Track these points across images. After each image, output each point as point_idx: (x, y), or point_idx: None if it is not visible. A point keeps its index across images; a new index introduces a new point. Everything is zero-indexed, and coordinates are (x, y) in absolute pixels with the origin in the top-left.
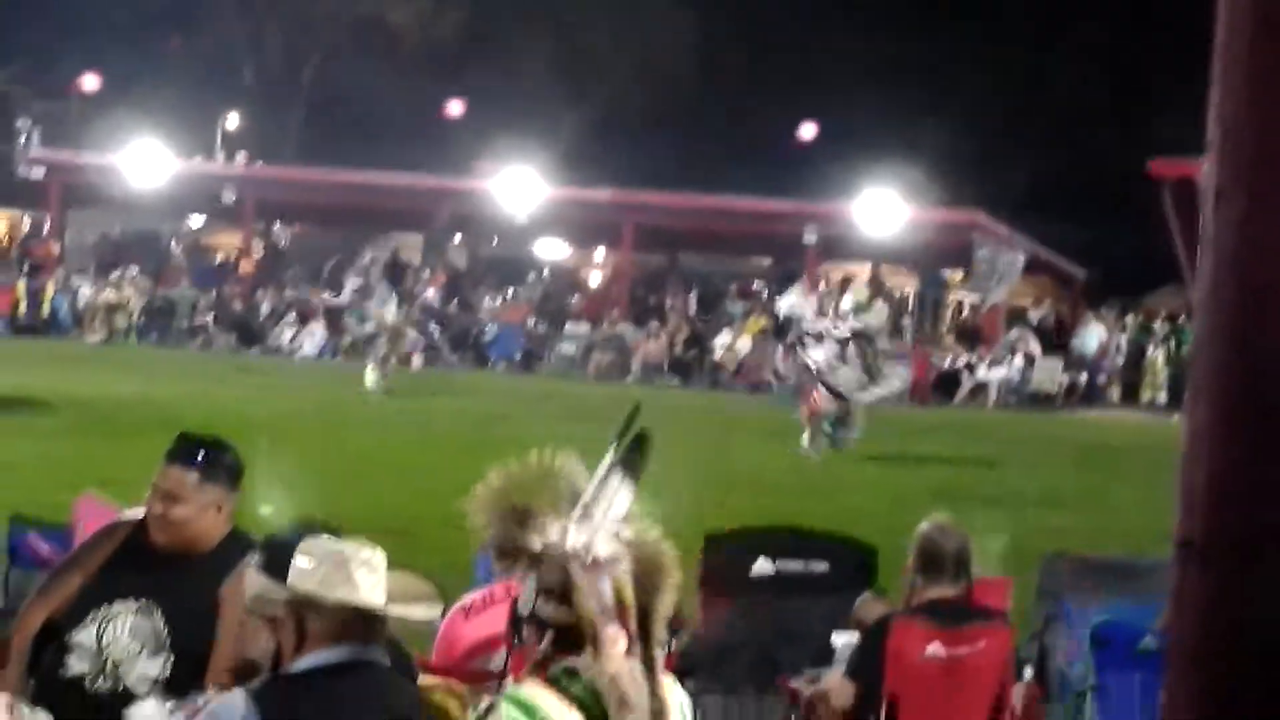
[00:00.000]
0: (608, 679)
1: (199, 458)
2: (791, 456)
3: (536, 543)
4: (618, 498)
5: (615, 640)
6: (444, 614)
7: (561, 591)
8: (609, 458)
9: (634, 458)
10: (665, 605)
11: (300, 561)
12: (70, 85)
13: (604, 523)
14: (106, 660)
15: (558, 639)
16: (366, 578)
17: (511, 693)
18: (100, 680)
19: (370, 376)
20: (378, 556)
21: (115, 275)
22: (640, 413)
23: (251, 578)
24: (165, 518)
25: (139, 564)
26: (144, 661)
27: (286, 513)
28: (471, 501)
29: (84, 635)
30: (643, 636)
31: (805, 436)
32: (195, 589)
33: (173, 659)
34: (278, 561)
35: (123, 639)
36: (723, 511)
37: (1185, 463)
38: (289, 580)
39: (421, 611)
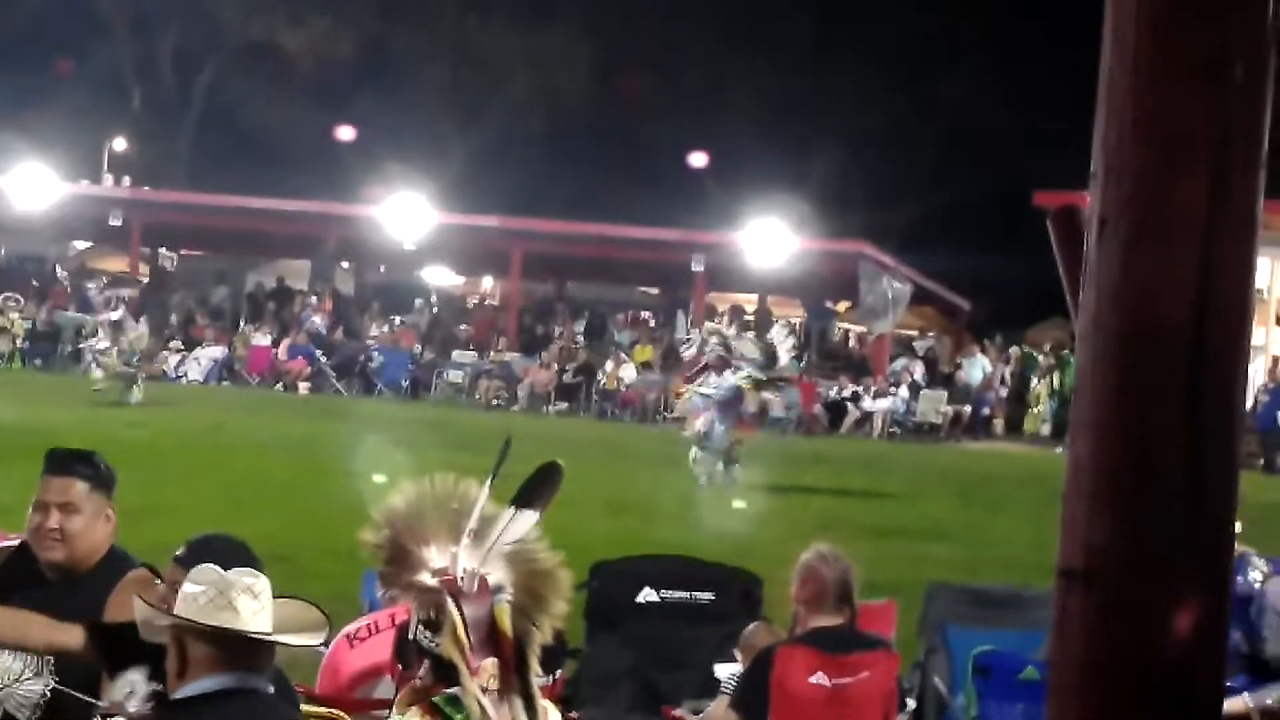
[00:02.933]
0: (474, 711)
1: (84, 467)
2: (678, 485)
3: (418, 572)
4: (513, 525)
5: (480, 673)
6: (328, 642)
7: (438, 622)
8: (489, 485)
9: (539, 489)
10: (544, 635)
11: (186, 588)
12: None
13: (493, 549)
14: None
15: (436, 668)
16: (249, 604)
17: None
18: None
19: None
20: (261, 583)
21: None
22: (510, 445)
23: (137, 604)
24: (63, 530)
25: (20, 587)
26: (26, 685)
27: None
28: (362, 529)
29: None
30: (520, 666)
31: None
32: (81, 607)
33: (56, 680)
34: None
35: (4, 662)
36: (609, 540)
37: (1068, 493)
38: (181, 604)
39: (305, 639)
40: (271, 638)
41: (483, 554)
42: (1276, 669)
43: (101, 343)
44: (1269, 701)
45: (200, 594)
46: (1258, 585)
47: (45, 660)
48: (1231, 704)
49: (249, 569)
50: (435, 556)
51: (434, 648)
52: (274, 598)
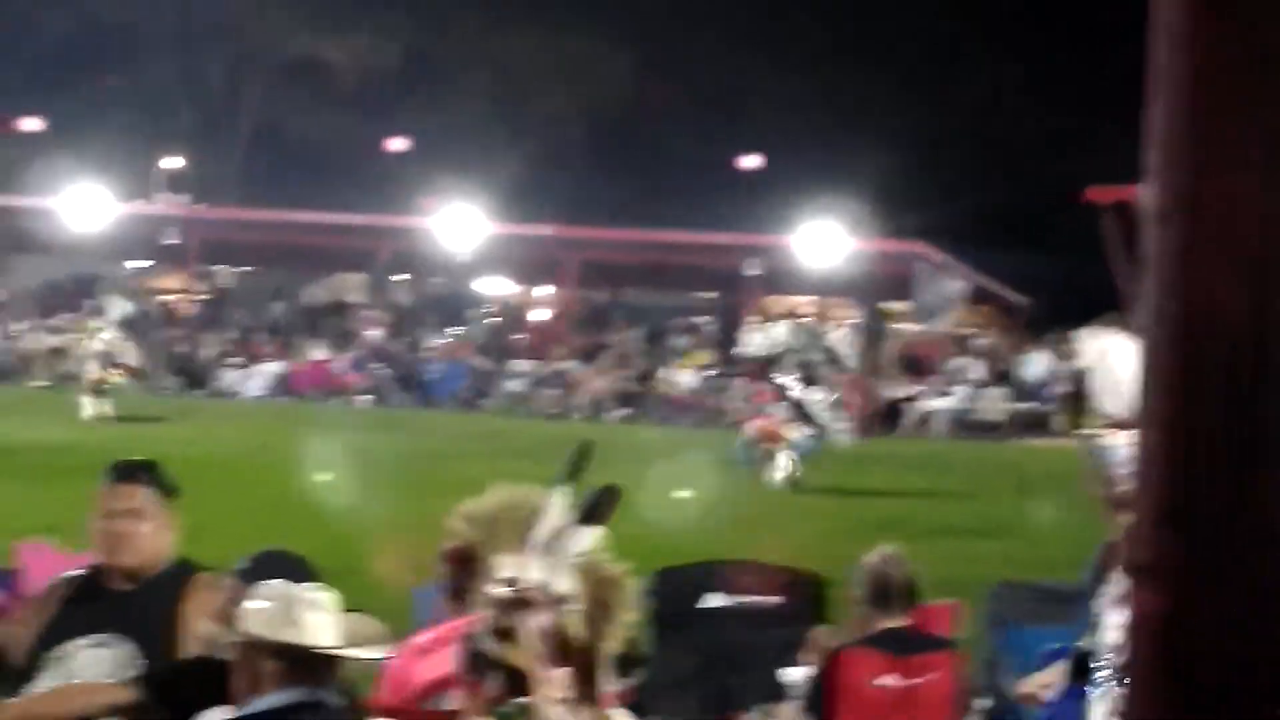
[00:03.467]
0: None
1: (148, 475)
2: (740, 489)
3: (487, 582)
4: (578, 537)
5: (557, 684)
6: (394, 654)
7: (508, 633)
8: (563, 496)
9: (597, 508)
10: (613, 643)
11: (252, 604)
12: (8, 128)
13: (560, 560)
14: None
15: (507, 678)
16: (315, 619)
17: None
18: None
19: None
20: (327, 598)
21: (58, 320)
22: (590, 451)
23: (204, 621)
24: (133, 536)
25: (93, 601)
26: None
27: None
28: (417, 543)
29: (41, 679)
30: (590, 676)
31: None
32: (154, 615)
33: (134, 688)
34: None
35: (84, 673)
36: (673, 546)
37: (1136, 491)
38: (248, 620)
39: (371, 652)
40: (339, 652)
41: (551, 564)
42: None
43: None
44: None
45: (267, 610)
46: None
47: (126, 670)
48: None
49: (312, 583)
50: (504, 566)
51: (505, 658)
52: (337, 612)
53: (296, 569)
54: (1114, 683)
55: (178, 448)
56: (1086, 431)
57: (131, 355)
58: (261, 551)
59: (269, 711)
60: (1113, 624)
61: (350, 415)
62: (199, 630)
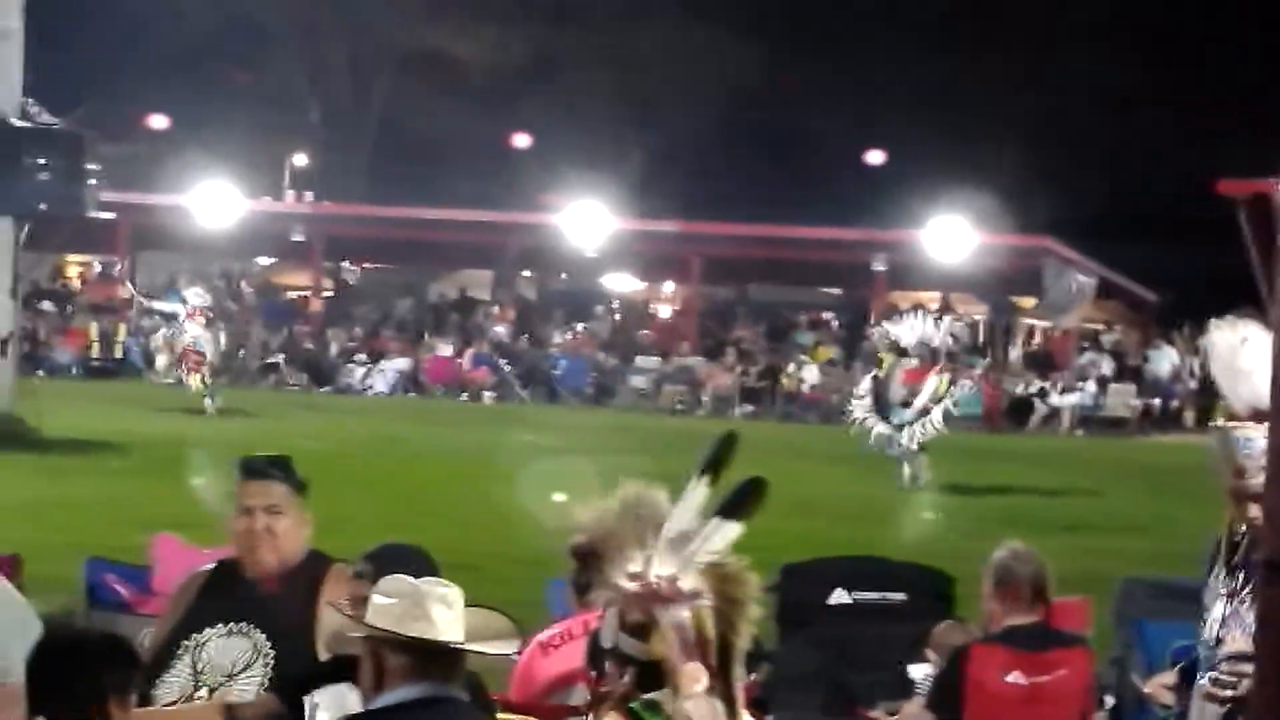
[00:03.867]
0: (685, 717)
1: (281, 470)
2: (865, 485)
3: (619, 578)
4: (715, 535)
5: (695, 677)
6: (521, 649)
7: (643, 628)
8: (698, 490)
9: (743, 502)
10: (744, 638)
11: (378, 599)
12: (138, 126)
13: (691, 556)
14: (201, 686)
15: (640, 674)
16: (443, 614)
17: None
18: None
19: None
20: (454, 592)
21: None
22: (732, 443)
23: (332, 614)
24: (271, 531)
25: (228, 592)
26: (239, 682)
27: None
28: (547, 537)
29: (176, 666)
30: (723, 671)
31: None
32: (289, 605)
33: (271, 675)
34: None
35: (216, 662)
36: (798, 541)
37: (1268, 484)
38: (375, 614)
39: (498, 647)
40: (467, 647)
41: (681, 559)
42: None
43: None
44: None
45: (395, 605)
46: None
47: (261, 655)
48: None
49: (439, 579)
50: (633, 560)
51: (639, 653)
52: (464, 606)
53: (418, 562)
54: (1212, 674)
55: (307, 442)
56: (1221, 422)
57: (209, 346)
58: (383, 545)
59: (396, 706)
60: (1216, 617)
61: (476, 411)
62: (328, 624)
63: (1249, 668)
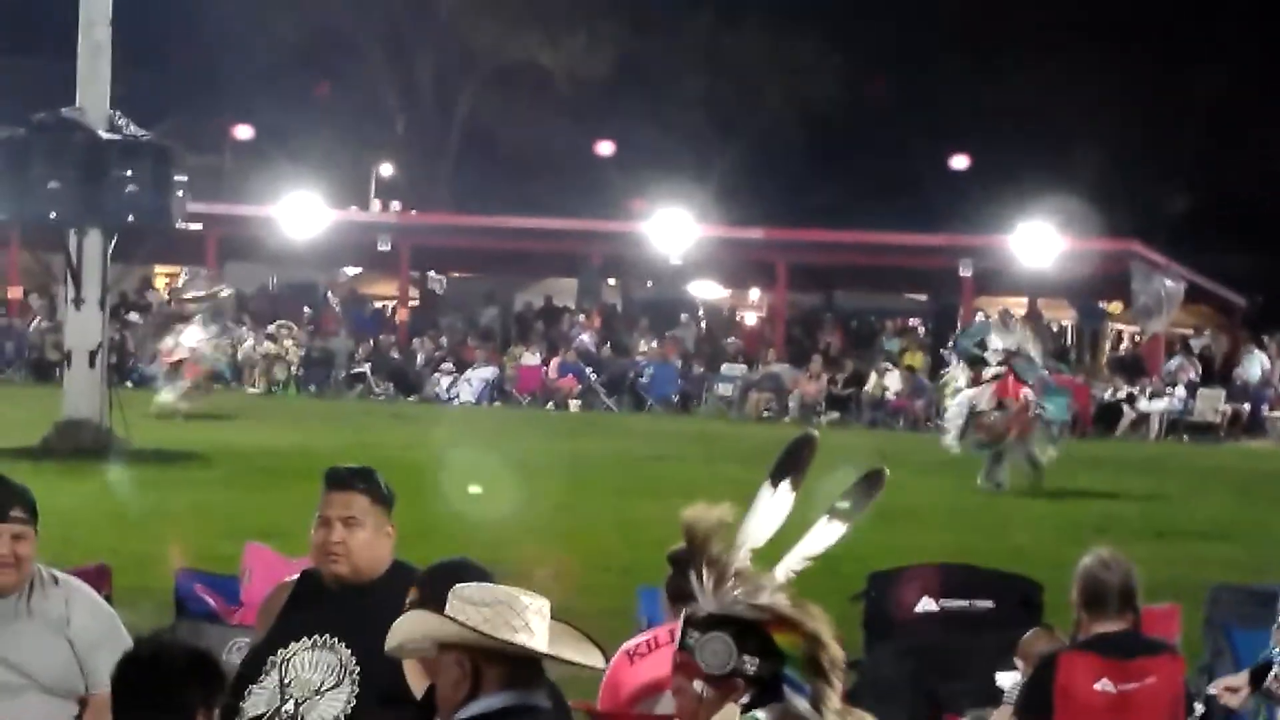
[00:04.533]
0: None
1: (364, 482)
2: (952, 492)
3: (739, 600)
4: (820, 534)
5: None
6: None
7: (764, 648)
8: (777, 496)
9: (861, 497)
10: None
11: (463, 605)
12: (224, 137)
13: (791, 560)
14: (287, 700)
15: (757, 690)
16: (539, 625)
17: None
18: None
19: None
20: (545, 604)
21: (273, 327)
22: (810, 444)
23: (423, 616)
24: (347, 544)
25: (313, 604)
26: (326, 699)
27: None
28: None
29: (264, 681)
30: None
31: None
32: (375, 619)
33: (358, 692)
34: (440, 598)
35: (303, 676)
36: (885, 549)
37: None
38: (467, 621)
39: (589, 659)
40: (565, 656)
41: (784, 567)
42: None
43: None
44: None
45: (487, 611)
46: None
47: (347, 671)
48: None
49: (526, 591)
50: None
51: (760, 671)
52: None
53: (477, 576)
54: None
55: (396, 452)
56: None
57: (207, 359)
58: (441, 563)
59: (487, 714)
60: None
61: (563, 420)
62: (405, 628)
63: None
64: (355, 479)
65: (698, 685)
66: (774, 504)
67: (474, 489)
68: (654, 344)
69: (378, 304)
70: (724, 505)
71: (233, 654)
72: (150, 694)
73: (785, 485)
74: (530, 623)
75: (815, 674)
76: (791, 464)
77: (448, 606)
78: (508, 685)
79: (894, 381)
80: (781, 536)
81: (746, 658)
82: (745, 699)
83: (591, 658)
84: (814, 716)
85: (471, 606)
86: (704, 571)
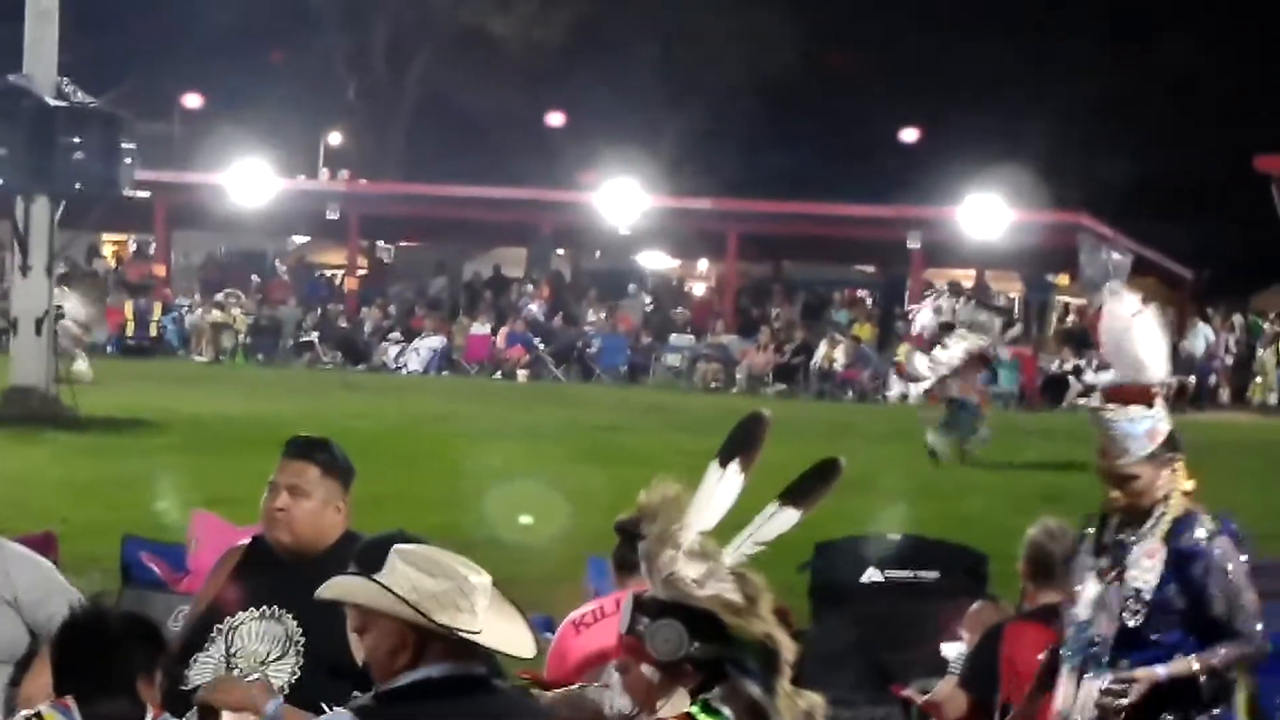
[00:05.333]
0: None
1: (320, 453)
2: (900, 463)
3: (689, 587)
4: (772, 522)
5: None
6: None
7: (715, 634)
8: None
9: (813, 486)
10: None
11: (413, 573)
12: (173, 105)
13: (743, 547)
14: (233, 670)
15: (706, 675)
16: (483, 604)
17: None
18: None
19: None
20: (488, 582)
21: (221, 295)
22: (761, 424)
23: (366, 586)
24: (290, 512)
25: (260, 574)
26: (272, 669)
27: (393, 524)
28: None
29: (209, 649)
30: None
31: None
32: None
33: (303, 663)
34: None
35: (249, 646)
36: (832, 519)
37: None
38: (416, 596)
39: (519, 648)
40: (499, 648)
41: (720, 555)
42: (1223, 629)
43: None
44: (1215, 662)
45: (437, 585)
46: (1203, 544)
47: (293, 642)
48: (1177, 665)
49: (471, 564)
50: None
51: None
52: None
53: None
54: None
55: (345, 421)
56: (1096, 401)
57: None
58: (378, 537)
59: (425, 683)
60: (1088, 596)
61: (512, 390)
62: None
63: (1140, 676)
64: (310, 449)
65: (647, 670)
66: (724, 485)
67: (525, 519)
68: (603, 314)
69: (326, 273)
70: (676, 483)
71: (178, 621)
72: (90, 660)
73: (735, 466)
74: (476, 604)
75: (765, 660)
76: (742, 444)
77: (390, 568)
78: (451, 657)
79: (843, 353)
80: (731, 517)
81: (697, 644)
82: (694, 683)
83: (522, 646)
84: (765, 700)
85: (425, 577)
86: (654, 553)
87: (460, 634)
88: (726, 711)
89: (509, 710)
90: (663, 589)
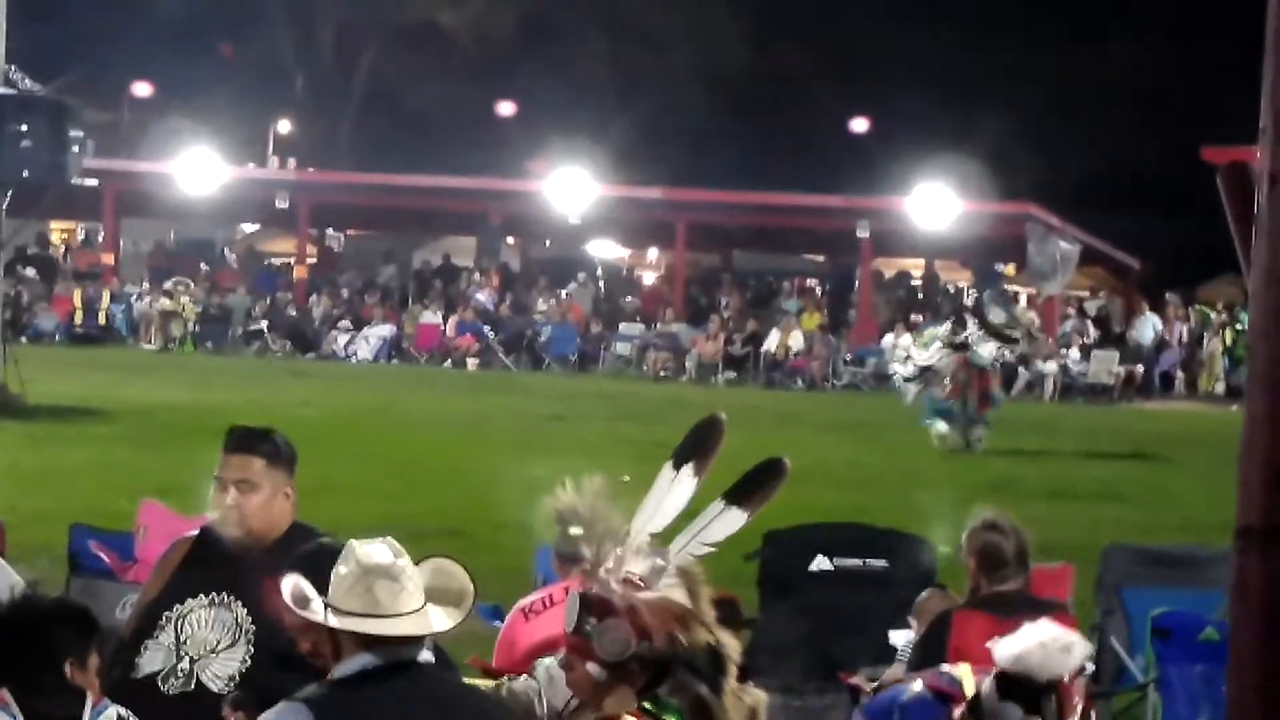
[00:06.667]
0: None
1: (263, 444)
2: (849, 452)
3: (637, 587)
4: (718, 522)
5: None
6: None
7: (656, 631)
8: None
9: (758, 487)
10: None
11: (339, 568)
12: (122, 93)
13: (689, 547)
14: (183, 658)
15: (652, 674)
16: (387, 589)
17: None
18: (174, 679)
19: None
20: (401, 562)
21: (170, 283)
22: (718, 429)
23: (292, 584)
24: (241, 508)
25: (211, 563)
26: (221, 657)
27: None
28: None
29: (159, 637)
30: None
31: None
32: (270, 580)
33: (253, 652)
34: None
35: (199, 634)
36: (781, 508)
37: (1244, 451)
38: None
39: (448, 617)
40: (402, 631)
41: (676, 549)
42: None
43: None
44: None
45: (345, 578)
46: None
47: (243, 631)
48: None
49: (388, 544)
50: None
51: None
52: (423, 560)
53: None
54: None
55: (293, 409)
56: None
57: None
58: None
59: (358, 675)
60: None
61: (460, 378)
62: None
63: None
64: (251, 441)
65: (593, 669)
66: (676, 488)
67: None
68: (553, 303)
69: (276, 261)
70: (600, 478)
71: (125, 610)
72: (17, 647)
73: (689, 469)
74: (377, 591)
75: (712, 660)
76: (697, 447)
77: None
78: (371, 647)
79: (795, 341)
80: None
81: (645, 644)
82: (641, 682)
83: (451, 616)
84: (711, 699)
85: (341, 569)
86: (600, 551)
87: (343, 627)
88: (675, 703)
89: (448, 696)
90: (609, 589)
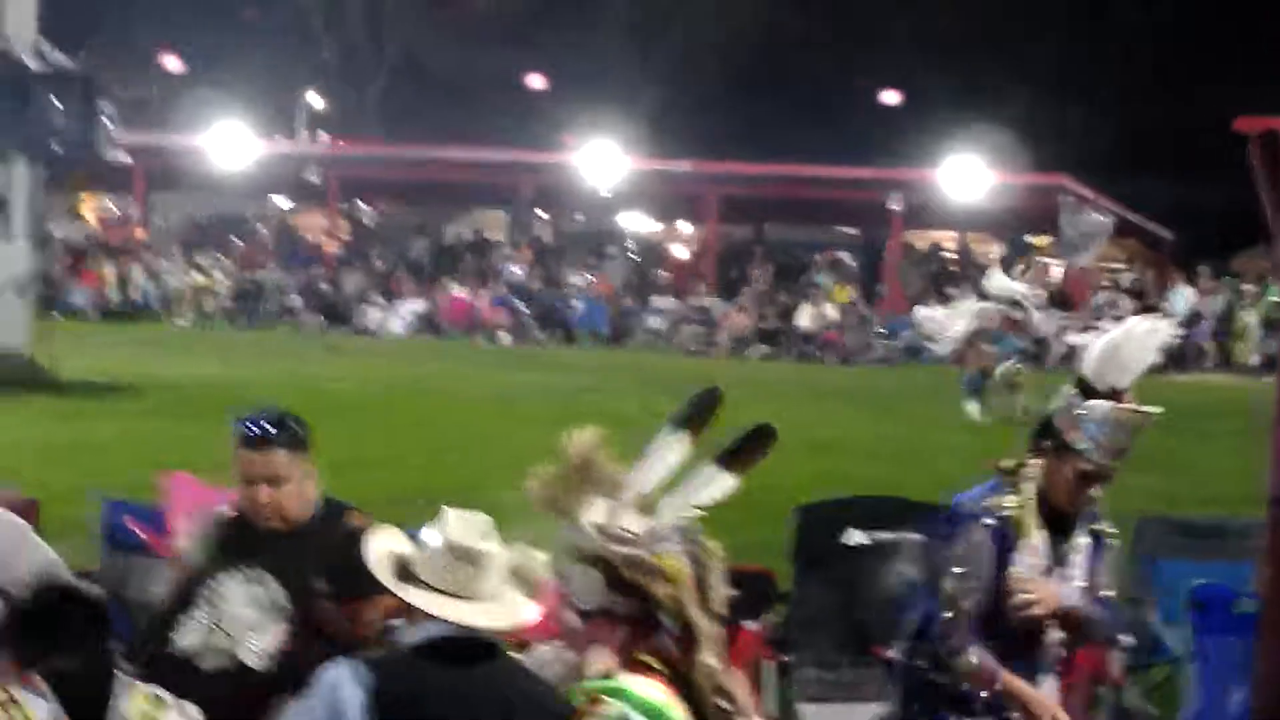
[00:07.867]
0: (709, 672)
1: (281, 434)
2: (882, 424)
3: (593, 535)
4: (709, 486)
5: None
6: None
7: (636, 590)
8: (674, 445)
9: (746, 451)
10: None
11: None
12: (151, 66)
13: (676, 508)
14: (219, 633)
15: (628, 633)
16: (467, 572)
17: (625, 692)
18: (211, 655)
19: None
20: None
21: (202, 259)
22: (716, 399)
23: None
24: (276, 502)
25: (246, 540)
26: (258, 633)
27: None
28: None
29: (194, 613)
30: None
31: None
32: (307, 557)
33: (289, 629)
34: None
35: (235, 610)
36: (814, 481)
37: (1276, 422)
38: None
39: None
40: (477, 626)
41: (659, 513)
42: None
43: None
44: None
45: (438, 559)
46: None
47: (279, 607)
48: None
49: (479, 521)
50: (595, 512)
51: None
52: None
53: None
54: None
55: (326, 384)
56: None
57: None
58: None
59: (416, 646)
60: None
61: (493, 352)
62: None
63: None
64: (271, 435)
65: (569, 617)
66: (668, 451)
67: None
68: (584, 277)
69: (307, 236)
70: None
71: (161, 586)
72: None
73: (684, 435)
74: (476, 579)
75: (682, 626)
76: (693, 415)
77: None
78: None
79: (828, 314)
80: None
81: (619, 599)
82: (616, 640)
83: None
84: (683, 663)
85: (432, 546)
86: (585, 500)
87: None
88: (657, 665)
89: (508, 676)
90: (591, 537)
